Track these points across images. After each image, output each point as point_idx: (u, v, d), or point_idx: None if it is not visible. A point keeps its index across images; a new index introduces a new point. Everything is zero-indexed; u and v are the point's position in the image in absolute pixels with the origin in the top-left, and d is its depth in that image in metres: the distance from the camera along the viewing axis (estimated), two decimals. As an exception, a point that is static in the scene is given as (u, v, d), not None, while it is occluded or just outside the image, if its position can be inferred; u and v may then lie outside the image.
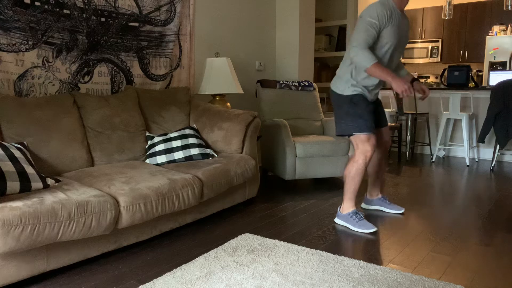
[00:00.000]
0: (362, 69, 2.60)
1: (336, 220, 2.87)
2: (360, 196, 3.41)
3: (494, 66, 6.94)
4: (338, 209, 2.87)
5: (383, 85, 2.82)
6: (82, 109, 2.80)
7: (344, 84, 2.74)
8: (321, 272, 2.08)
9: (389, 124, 3.63)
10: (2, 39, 2.57)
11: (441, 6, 6.52)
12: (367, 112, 2.71)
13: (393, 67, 2.81)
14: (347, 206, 2.80)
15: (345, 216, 2.79)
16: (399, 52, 2.76)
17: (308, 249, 2.36)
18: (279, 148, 3.69)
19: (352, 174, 2.73)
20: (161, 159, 2.90)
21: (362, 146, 2.69)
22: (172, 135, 3.06)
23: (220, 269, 2.11)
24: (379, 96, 3.29)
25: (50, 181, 2.20)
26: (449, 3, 5.94)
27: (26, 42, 2.69)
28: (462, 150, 5.47)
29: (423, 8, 7.90)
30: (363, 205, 3.23)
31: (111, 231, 2.16)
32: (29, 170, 2.11)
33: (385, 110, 4.52)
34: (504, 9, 5.52)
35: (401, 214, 3.07)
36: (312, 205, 3.28)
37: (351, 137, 2.75)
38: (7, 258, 1.83)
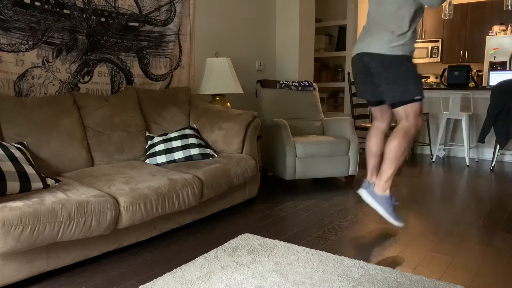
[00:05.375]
0: None
1: (366, 197, 2.45)
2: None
3: (494, 66, 6.94)
4: (371, 186, 2.43)
5: None
6: (82, 109, 2.80)
7: (399, 42, 2.33)
8: (321, 272, 2.08)
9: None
10: (2, 39, 2.57)
11: (441, 6, 6.51)
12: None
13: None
14: (386, 187, 2.39)
15: (382, 198, 2.38)
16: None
17: (308, 249, 2.36)
18: (279, 148, 3.69)
19: (404, 148, 2.32)
20: (161, 159, 2.90)
21: (416, 119, 2.33)
22: (172, 135, 3.06)
23: (220, 269, 2.11)
24: None
25: (50, 181, 2.20)
26: (449, 3, 5.93)
27: (26, 42, 2.69)
28: (462, 150, 5.47)
29: (423, 8, 7.89)
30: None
31: (111, 231, 2.16)
32: (29, 170, 2.11)
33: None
34: (504, 9, 5.51)
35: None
36: (312, 205, 3.28)
37: (405, 106, 2.32)
38: (7, 258, 1.83)
